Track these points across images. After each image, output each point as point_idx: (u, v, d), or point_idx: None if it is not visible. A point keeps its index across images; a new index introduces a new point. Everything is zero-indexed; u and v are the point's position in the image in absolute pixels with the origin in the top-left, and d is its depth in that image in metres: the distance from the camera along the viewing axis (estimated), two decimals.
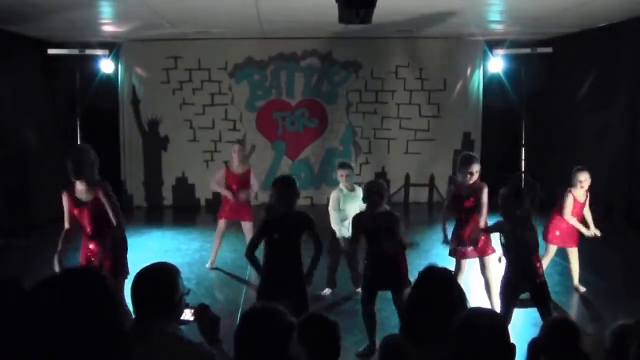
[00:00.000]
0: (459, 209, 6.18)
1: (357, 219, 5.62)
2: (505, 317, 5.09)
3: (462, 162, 6.13)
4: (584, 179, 6.92)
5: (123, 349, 1.77)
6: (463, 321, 2.50)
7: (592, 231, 7.04)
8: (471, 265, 6.54)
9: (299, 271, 5.16)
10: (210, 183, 8.42)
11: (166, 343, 2.69)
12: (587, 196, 7.07)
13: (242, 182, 8.01)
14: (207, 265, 8.19)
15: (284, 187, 5.10)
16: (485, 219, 6.13)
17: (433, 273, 2.91)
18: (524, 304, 5.34)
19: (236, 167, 8.11)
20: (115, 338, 1.74)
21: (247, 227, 7.98)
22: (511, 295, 5.23)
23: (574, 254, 7.09)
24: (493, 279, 6.12)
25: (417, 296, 2.84)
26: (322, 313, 3.28)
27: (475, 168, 6.04)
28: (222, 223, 8.17)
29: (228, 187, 8.07)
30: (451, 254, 6.32)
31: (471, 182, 6.05)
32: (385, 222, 5.42)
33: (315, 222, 5.22)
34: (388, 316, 5.92)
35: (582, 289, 7.08)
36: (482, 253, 6.18)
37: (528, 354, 3.21)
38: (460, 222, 6.21)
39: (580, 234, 7.04)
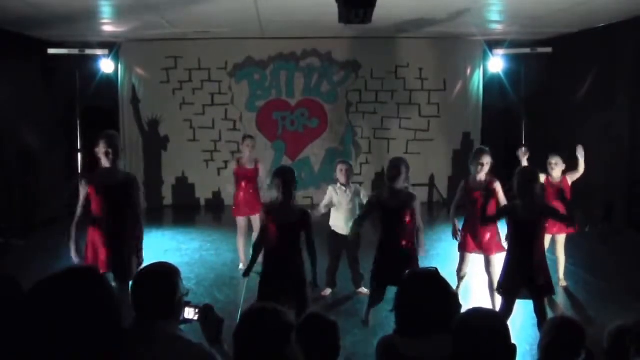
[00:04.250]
0: (470, 203, 6.24)
1: (375, 196, 5.68)
2: (506, 311, 5.10)
3: (473, 155, 6.30)
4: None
5: (123, 349, 1.77)
6: (464, 322, 2.50)
7: None
8: (474, 264, 6.55)
9: (300, 264, 5.16)
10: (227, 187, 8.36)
11: (166, 343, 2.70)
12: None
13: (252, 176, 7.98)
14: (241, 267, 8.01)
15: (288, 176, 5.18)
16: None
17: (416, 274, 2.92)
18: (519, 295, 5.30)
19: (247, 161, 8.04)
20: (115, 338, 1.74)
21: (258, 222, 7.86)
22: (513, 287, 5.20)
23: (560, 242, 7.09)
24: (497, 277, 6.10)
25: (404, 297, 2.84)
26: (322, 313, 3.28)
27: (486, 160, 6.16)
28: (241, 220, 8.05)
29: (237, 183, 8.03)
30: (458, 248, 6.44)
31: (482, 174, 6.15)
32: (405, 200, 5.54)
33: (312, 223, 5.28)
34: (388, 316, 5.91)
35: (564, 284, 7.15)
36: (488, 251, 6.24)
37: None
38: (471, 215, 6.24)
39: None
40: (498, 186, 6.15)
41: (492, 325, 2.46)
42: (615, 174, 9.82)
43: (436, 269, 2.87)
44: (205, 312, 2.90)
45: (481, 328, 2.43)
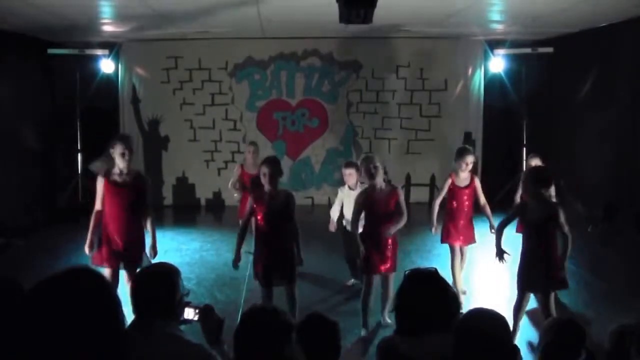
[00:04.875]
0: (454, 199, 6.64)
1: (361, 195, 5.94)
2: (520, 305, 5.37)
3: (458, 154, 6.62)
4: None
5: (122, 350, 1.76)
6: (465, 322, 2.49)
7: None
8: (472, 262, 6.57)
9: (288, 246, 5.57)
10: (229, 186, 8.73)
11: (166, 343, 2.69)
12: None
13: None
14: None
15: (276, 166, 5.55)
16: (486, 205, 6.68)
17: (416, 274, 2.93)
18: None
19: (251, 167, 8.33)
20: (115, 338, 1.73)
21: None
22: (528, 283, 5.35)
23: None
24: (465, 262, 6.89)
25: (404, 297, 2.86)
26: (322, 313, 3.27)
27: (470, 159, 6.52)
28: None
29: (243, 186, 8.32)
30: (443, 240, 6.78)
31: (466, 172, 6.56)
32: (389, 195, 5.83)
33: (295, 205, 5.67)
34: (388, 316, 5.92)
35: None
36: (466, 242, 6.72)
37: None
38: (456, 210, 6.64)
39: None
40: (478, 183, 6.67)
41: (494, 327, 2.45)
42: (616, 173, 9.81)
43: (436, 269, 2.88)
44: (206, 312, 2.90)
45: (483, 329, 2.42)
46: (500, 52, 11.60)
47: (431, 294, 2.77)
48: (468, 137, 12.70)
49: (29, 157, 10.50)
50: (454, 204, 6.62)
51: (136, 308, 2.80)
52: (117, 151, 5.69)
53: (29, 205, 10.35)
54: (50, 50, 10.77)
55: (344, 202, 7.15)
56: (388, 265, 5.89)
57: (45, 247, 8.93)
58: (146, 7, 8.12)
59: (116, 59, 11.89)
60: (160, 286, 2.81)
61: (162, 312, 2.77)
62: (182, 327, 2.90)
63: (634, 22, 8.99)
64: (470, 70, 12.61)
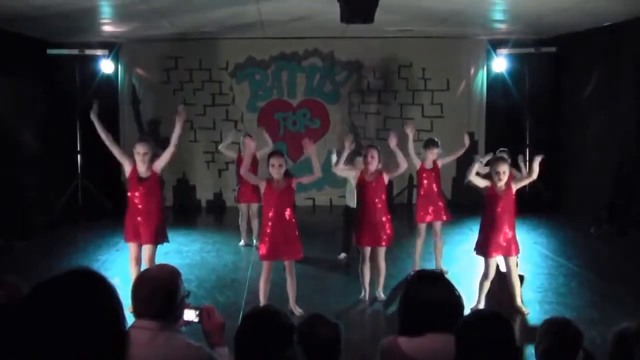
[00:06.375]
0: (422, 181, 7.72)
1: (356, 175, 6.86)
2: (485, 271, 6.15)
3: (425, 145, 7.78)
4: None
5: (123, 352, 1.72)
6: (467, 324, 2.48)
7: None
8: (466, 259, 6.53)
9: (293, 222, 6.27)
10: (222, 147, 9.73)
11: (167, 345, 2.67)
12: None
13: (253, 170, 8.65)
14: (241, 244, 9.28)
15: (283, 159, 6.32)
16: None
17: (421, 275, 2.95)
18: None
19: (247, 157, 8.73)
20: (116, 340, 1.69)
21: (255, 209, 8.86)
22: (487, 249, 6.16)
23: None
24: (441, 241, 7.67)
25: (408, 298, 2.86)
26: (323, 314, 3.24)
27: (436, 150, 7.66)
28: (243, 207, 9.18)
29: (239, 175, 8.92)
30: (419, 220, 7.65)
31: (430, 160, 7.66)
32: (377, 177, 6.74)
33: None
34: (390, 317, 5.88)
35: None
36: (437, 218, 7.62)
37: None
38: (424, 191, 7.70)
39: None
40: (440, 164, 7.79)
41: (497, 328, 2.43)
42: (620, 174, 9.77)
43: (441, 271, 2.88)
44: (207, 314, 2.87)
45: (485, 330, 2.40)
46: (503, 51, 11.58)
47: (436, 295, 2.78)
48: (471, 138, 12.64)
49: (28, 157, 10.46)
50: (425, 184, 7.68)
51: (136, 309, 2.77)
52: (136, 151, 6.45)
53: (29, 206, 10.30)
54: (50, 51, 10.74)
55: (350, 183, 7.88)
56: (379, 239, 6.63)
57: (45, 249, 8.89)
58: (147, 5, 8.10)
59: (116, 59, 11.87)
60: (160, 288, 2.79)
61: (162, 314, 2.74)
62: (183, 328, 2.87)
63: (637, 22, 8.95)
64: (472, 70, 12.58)
